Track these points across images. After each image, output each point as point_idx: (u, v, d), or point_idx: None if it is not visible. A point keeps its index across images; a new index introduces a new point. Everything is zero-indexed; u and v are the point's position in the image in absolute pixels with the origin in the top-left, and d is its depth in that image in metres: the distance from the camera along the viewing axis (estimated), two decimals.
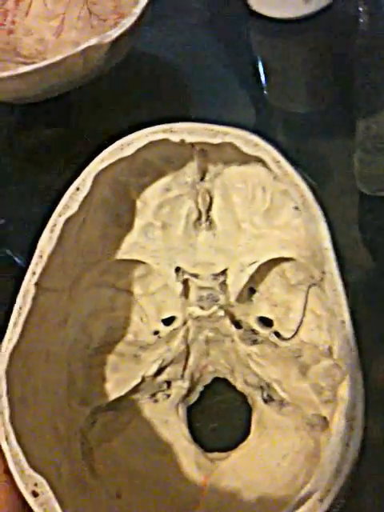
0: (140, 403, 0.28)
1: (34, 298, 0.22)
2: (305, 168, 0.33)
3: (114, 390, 0.27)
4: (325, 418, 0.23)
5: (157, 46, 0.46)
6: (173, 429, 0.27)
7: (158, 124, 0.24)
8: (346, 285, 0.23)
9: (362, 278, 0.30)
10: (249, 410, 0.27)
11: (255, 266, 0.27)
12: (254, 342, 0.27)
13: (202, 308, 0.27)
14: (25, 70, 0.34)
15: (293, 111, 0.38)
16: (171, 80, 0.43)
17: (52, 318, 0.25)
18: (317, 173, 0.34)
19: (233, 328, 0.27)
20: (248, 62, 0.42)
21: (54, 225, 0.23)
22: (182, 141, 0.23)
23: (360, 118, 0.31)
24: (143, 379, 0.27)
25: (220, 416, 0.28)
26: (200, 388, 0.28)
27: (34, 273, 0.23)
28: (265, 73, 0.41)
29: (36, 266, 0.23)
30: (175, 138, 0.23)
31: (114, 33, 0.35)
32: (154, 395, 0.28)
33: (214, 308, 0.27)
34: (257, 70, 0.42)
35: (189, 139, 0.23)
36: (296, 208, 0.25)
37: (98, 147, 0.24)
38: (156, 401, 0.28)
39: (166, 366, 0.28)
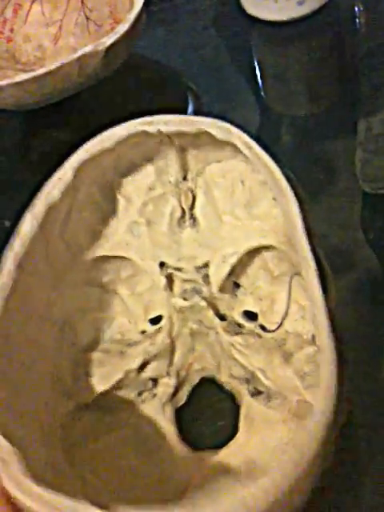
0: (127, 404, 0.28)
1: (16, 279, 0.23)
2: (307, 168, 0.35)
3: (98, 384, 0.27)
4: (309, 403, 0.23)
5: (157, 49, 0.47)
6: (160, 429, 0.27)
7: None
8: (324, 274, 0.24)
9: (366, 277, 0.31)
10: (238, 410, 0.27)
11: (236, 256, 0.28)
12: (238, 333, 0.28)
13: (185, 299, 0.28)
14: (22, 78, 0.36)
15: (292, 113, 0.39)
16: (171, 83, 0.45)
17: (33, 303, 0.26)
18: (319, 172, 0.35)
19: (216, 319, 0.28)
20: (247, 66, 0.43)
21: (38, 211, 0.24)
22: (159, 131, 0.25)
23: (361, 117, 0.33)
24: (127, 374, 0.28)
25: (208, 417, 0.28)
26: (188, 388, 0.29)
27: (16, 253, 0.23)
28: (264, 75, 0.42)
29: (19, 247, 0.24)
30: (152, 129, 0.25)
31: (109, 39, 0.37)
32: (140, 395, 0.28)
33: (196, 298, 0.28)
34: (256, 72, 0.43)
35: (164, 129, 0.25)
36: (274, 199, 0.26)
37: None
38: (143, 401, 0.28)
39: (150, 361, 0.28)
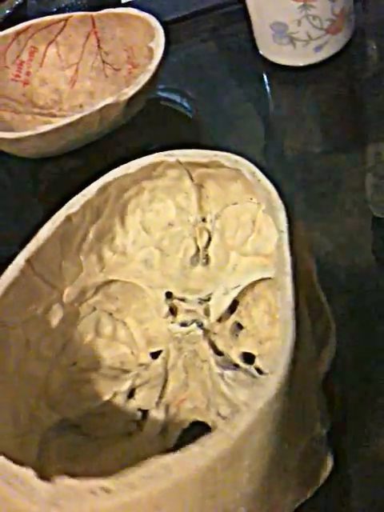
0: (112, 435, 0.30)
1: (23, 272, 0.28)
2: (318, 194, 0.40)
3: (85, 401, 0.31)
4: None
5: (173, 92, 0.53)
6: None
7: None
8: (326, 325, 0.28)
9: (376, 300, 0.34)
10: None
11: (238, 290, 0.31)
12: (230, 369, 0.30)
13: (183, 325, 0.32)
14: (44, 129, 0.40)
15: (306, 151, 0.43)
16: (187, 126, 0.50)
17: (39, 308, 0.30)
18: (329, 198, 0.39)
19: (211, 351, 0.31)
20: (263, 109, 0.49)
21: (56, 218, 0.30)
22: (178, 160, 0.30)
23: (369, 142, 0.37)
24: (115, 395, 0.31)
25: None
26: (178, 432, 0.31)
27: (27, 250, 0.28)
28: (279, 118, 0.47)
29: (31, 245, 0.28)
30: (172, 159, 0.30)
31: (130, 90, 0.41)
32: (127, 426, 0.31)
33: (193, 326, 0.31)
34: (271, 113, 0.48)
35: (183, 159, 0.30)
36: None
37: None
38: (129, 434, 0.30)
39: (141, 387, 0.31)
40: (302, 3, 0.44)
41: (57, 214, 0.30)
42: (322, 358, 0.26)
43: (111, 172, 0.31)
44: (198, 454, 0.18)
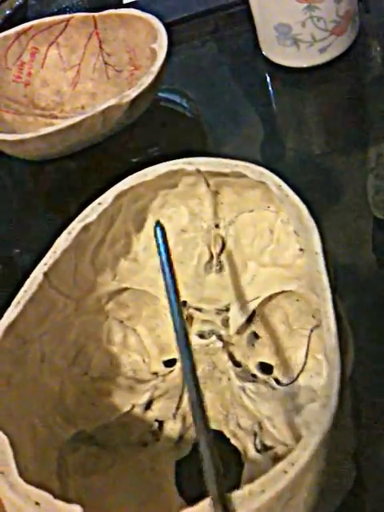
0: (128, 445, 0.30)
1: (41, 286, 0.27)
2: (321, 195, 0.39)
3: (102, 415, 0.30)
4: None
5: (177, 94, 0.52)
6: (159, 479, 0.29)
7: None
8: (343, 334, 0.26)
9: (378, 300, 0.34)
10: (242, 466, 0.29)
11: (257, 302, 0.31)
12: (251, 381, 0.30)
13: (201, 337, 0.31)
14: (46, 131, 0.40)
15: (308, 152, 0.43)
16: (191, 127, 0.50)
17: (55, 320, 0.29)
18: (331, 199, 0.39)
19: (230, 363, 0.30)
20: (267, 110, 0.48)
21: (73, 228, 0.29)
22: (198, 170, 0.30)
23: (371, 143, 0.37)
24: (134, 408, 0.30)
25: None
26: (192, 441, 0.30)
27: (45, 264, 0.28)
28: (283, 119, 0.47)
29: (48, 258, 0.28)
30: (191, 168, 0.30)
31: (133, 92, 0.41)
32: (143, 436, 0.30)
33: (213, 338, 0.31)
34: (275, 115, 0.48)
35: (203, 168, 0.29)
36: (300, 249, 0.30)
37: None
38: (144, 444, 0.30)
39: (158, 399, 0.31)
40: (306, 4, 0.43)
41: (72, 224, 0.29)
42: (346, 366, 0.26)
43: (127, 179, 0.31)
44: (257, 493, 0.19)
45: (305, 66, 0.48)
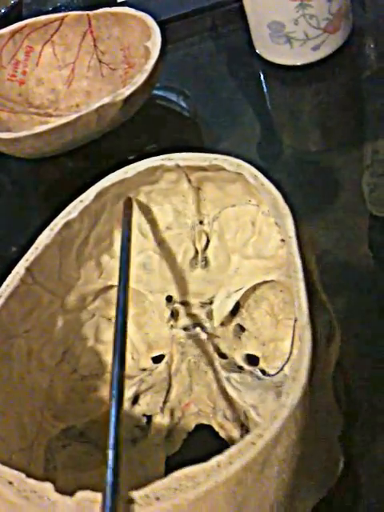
0: None
1: (24, 281, 0.27)
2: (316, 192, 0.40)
3: (89, 410, 0.30)
4: None
5: (172, 91, 0.53)
6: (150, 475, 0.29)
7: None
8: (330, 325, 0.27)
9: (374, 297, 0.34)
10: None
11: (241, 292, 0.31)
12: (236, 372, 0.30)
13: (185, 329, 0.32)
14: (41, 129, 0.40)
15: (303, 149, 0.44)
16: (186, 125, 0.50)
17: (40, 317, 0.30)
18: (327, 196, 0.40)
19: (215, 355, 0.31)
20: (261, 107, 0.49)
21: (55, 224, 0.29)
22: (177, 165, 0.30)
23: (367, 141, 0.37)
24: None
25: None
26: (183, 435, 0.31)
27: (27, 259, 0.28)
28: (278, 116, 0.48)
29: (30, 254, 0.28)
30: (171, 164, 0.30)
31: (127, 90, 0.41)
32: (132, 432, 0.30)
33: (197, 329, 0.31)
34: (269, 113, 0.48)
35: (182, 163, 0.30)
36: (282, 240, 0.30)
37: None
38: (134, 441, 0.30)
39: (145, 393, 0.31)
40: (298, 2, 0.44)
41: (55, 221, 0.30)
42: (330, 359, 0.26)
43: (108, 177, 0.31)
44: (225, 464, 0.18)
45: (298, 63, 0.48)
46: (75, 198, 0.31)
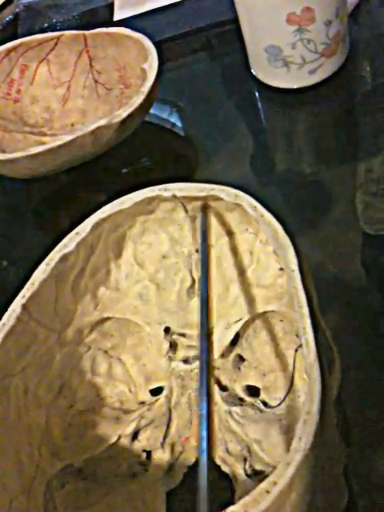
0: (117, 477, 0.30)
1: (20, 319, 0.27)
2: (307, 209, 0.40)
3: (88, 447, 0.30)
4: None
5: (168, 113, 0.52)
6: (150, 508, 0.28)
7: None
8: (330, 351, 0.28)
9: (367, 314, 0.34)
10: (233, 492, 0.28)
11: (241, 323, 0.31)
12: (237, 405, 0.30)
13: (185, 362, 0.31)
14: (37, 150, 0.40)
15: (298, 170, 0.44)
16: (182, 148, 0.49)
17: (37, 353, 0.29)
18: (321, 211, 0.40)
19: (216, 388, 0.30)
20: (257, 130, 0.48)
21: (51, 259, 0.29)
22: (174, 196, 0.30)
23: (361, 159, 0.37)
24: (120, 439, 0.30)
25: None
26: (183, 469, 0.30)
27: (23, 296, 0.27)
28: (273, 139, 0.47)
29: (26, 290, 0.28)
30: (167, 194, 0.30)
31: (123, 112, 0.41)
32: (132, 468, 0.30)
33: (197, 362, 0.31)
34: (265, 134, 0.48)
35: (179, 194, 0.30)
36: (281, 269, 0.30)
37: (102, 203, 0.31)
38: (134, 475, 0.30)
39: (145, 428, 0.30)
40: (296, 27, 0.44)
41: (50, 255, 0.29)
42: (332, 389, 0.26)
43: (104, 208, 0.31)
44: None
45: (295, 87, 0.48)
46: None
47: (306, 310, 0.24)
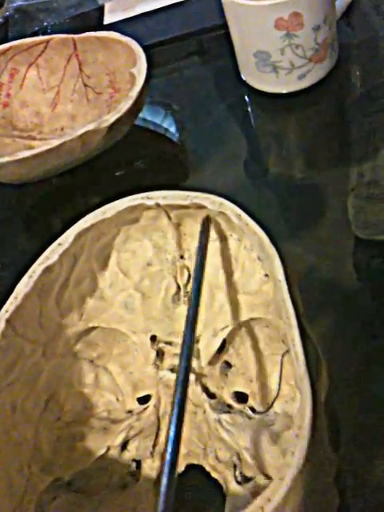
0: (108, 488, 0.29)
1: (4, 334, 0.27)
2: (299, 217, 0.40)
3: (78, 460, 0.30)
4: None
5: (157, 119, 0.52)
6: None
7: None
8: (317, 358, 0.28)
9: (358, 319, 0.34)
10: (224, 499, 0.28)
11: (227, 330, 0.31)
12: (226, 412, 0.30)
13: (173, 371, 0.31)
14: (24, 155, 0.39)
15: (290, 174, 0.44)
16: (171, 153, 0.49)
17: (23, 368, 0.29)
18: (312, 215, 0.40)
19: (204, 395, 0.30)
20: (247, 135, 0.48)
21: (33, 271, 0.28)
22: (157, 204, 0.30)
23: (352, 163, 0.37)
24: (109, 450, 0.30)
25: (194, 507, 0.29)
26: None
27: (6, 310, 0.27)
28: (263, 143, 0.47)
29: (10, 305, 0.27)
30: (151, 202, 0.30)
31: (112, 117, 0.40)
32: (122, 478, 0.30)
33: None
34: (254, 138, 0.48)
35: (162, 202, 0.30)
36: (266, 275, 0.30)
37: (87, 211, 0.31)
38: (125, 486, 0.30)
39: (134, 438, 0.30)
40: (285, 32, 0.44)
41: (33, 267, 0.29)
42: (320, 391, 0.26)
43: (86, 217, 0.31)
44: None
45: (284, 91, 0.48)
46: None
47: (293, 321, 0.24)
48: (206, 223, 0.30)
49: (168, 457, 0.21)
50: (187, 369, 0.24)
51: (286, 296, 0.24)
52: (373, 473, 0.28)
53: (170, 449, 0.21)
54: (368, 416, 0.30)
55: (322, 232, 0.39)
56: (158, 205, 0.30)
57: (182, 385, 0.23)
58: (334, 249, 0.38)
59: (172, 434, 0.22)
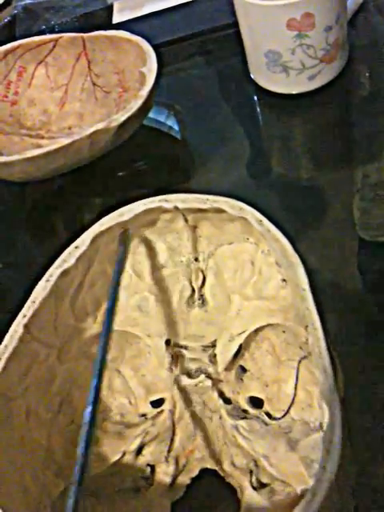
0: (122, 492, 0.29)
1: (22, 339, 0.26)
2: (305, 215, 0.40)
3: (92, 465, 0.29)
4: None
5: (166, 119, 0.51)
6: None
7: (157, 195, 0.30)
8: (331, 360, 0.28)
9: (363, 319, 0.34)
10: (238, 504, 0.28)
11: (244, 336, 0.30)
12: (243, 418, 0.30)
13: (189, 376, 0.31)
14: (32, 153, 0.39)
15: (297, 174, 0.43)
16: (180, 154, 0.49)
17: (38, 372, 0.28)
18: (318, 216, 0.39)
19: (220, 401, 0.30)
20: (256, 135, 0.48)
21: (51, 275, 0.28)
22: (176, 207, 0.29)
23: (357, 165, 0.37)
24: (124, 455, 0.30)
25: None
26: (187, 480, 0.30)
27: (24, 315, 0.27)
28: (272, 144, 0.47)
29: (27, 309, 0.27)
30: (169, 205, 0.29)
31: (121, 117, 0.41)
32: (136, 482, 0.30)
33: (202, 377, 0.30)
34: (263, 138, 0.47)
35: (181, 206, 0.29)
36: (283, 280, 0.30)
37: (100, 214, 0.30)
38: (138, 490, 0.29)
39: (149, 443, 0.30)
40: (296, 32, 0.43)
41: (50, 271, 0.29)
42: (339, 388, 0.25)
43: (103, 220, 0.30)
44: None
45: (294, 92, 0.48)
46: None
47: (320, 333, 0.23)
48: (124, 237, 0.30)
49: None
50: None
51: (312, 306, 0.24)
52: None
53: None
54: (376, 415, 0.30)
55: (327, 233, 0.39)
56: (176, 208, 0.30)
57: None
58: (339, 250, 0.38)
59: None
